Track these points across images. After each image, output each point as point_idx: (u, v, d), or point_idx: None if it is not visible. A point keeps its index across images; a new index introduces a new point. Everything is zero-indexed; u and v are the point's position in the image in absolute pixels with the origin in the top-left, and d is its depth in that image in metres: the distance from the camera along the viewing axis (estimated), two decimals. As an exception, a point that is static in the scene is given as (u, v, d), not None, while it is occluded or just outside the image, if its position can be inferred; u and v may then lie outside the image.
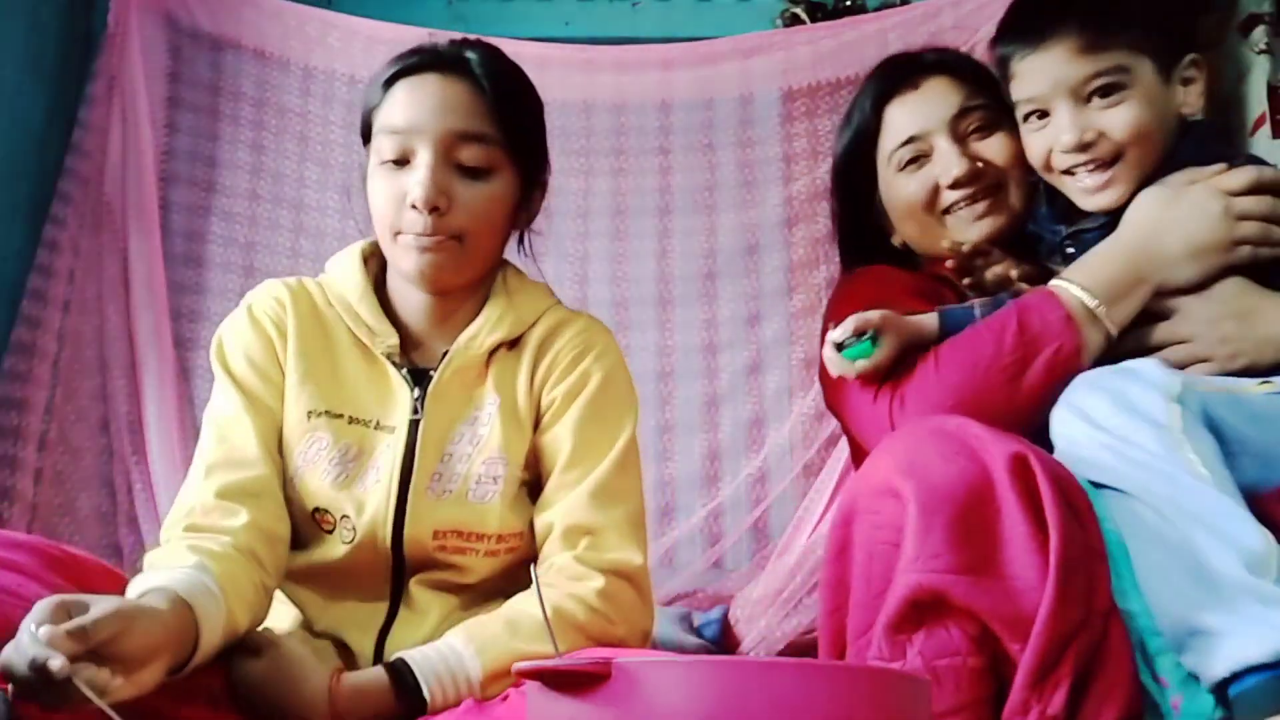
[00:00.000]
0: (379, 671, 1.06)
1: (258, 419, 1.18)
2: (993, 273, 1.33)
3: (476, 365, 1.23)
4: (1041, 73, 1.23)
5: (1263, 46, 2.07)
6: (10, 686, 0.81)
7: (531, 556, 1.19)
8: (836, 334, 1.23)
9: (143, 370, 2.07)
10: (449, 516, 1.18)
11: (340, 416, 1.20)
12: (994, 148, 1.38)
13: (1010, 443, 0.95)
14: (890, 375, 1.21)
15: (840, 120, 1.54)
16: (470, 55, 1.22)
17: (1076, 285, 1.18)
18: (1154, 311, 1.19)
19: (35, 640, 0.80)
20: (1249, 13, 2.09)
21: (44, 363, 1.99)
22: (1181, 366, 1.13)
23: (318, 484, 1.18)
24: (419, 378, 1.21)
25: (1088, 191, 1.24)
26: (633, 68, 2.30)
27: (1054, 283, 1.20)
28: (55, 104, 2.15)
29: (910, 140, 1.40)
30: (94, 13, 2.25)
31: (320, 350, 1.22)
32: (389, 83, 1.21)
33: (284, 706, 1.03)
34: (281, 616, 1.19)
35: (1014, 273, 1.31)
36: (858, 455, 1.42)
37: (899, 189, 1.42)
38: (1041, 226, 1.33)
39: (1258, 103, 2.05)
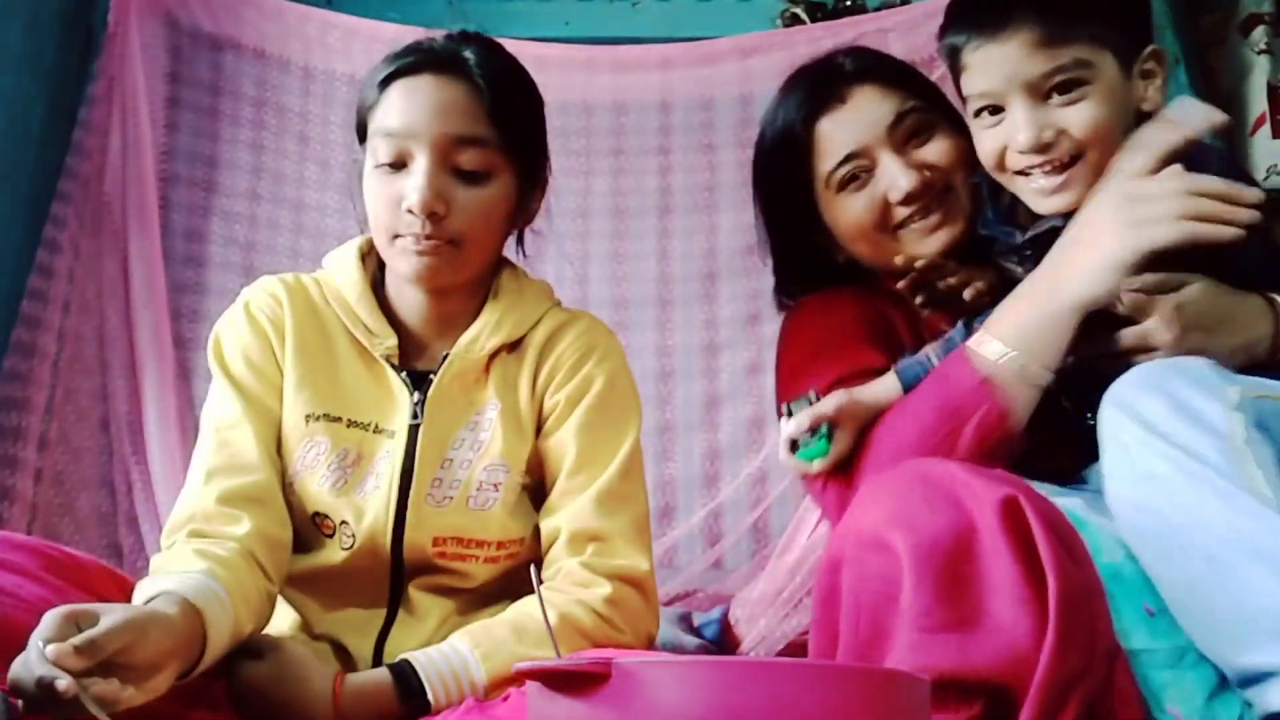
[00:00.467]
0: (382, 673, 1.05)
1: (257, 422, 1.18)
2: (946, 284, 1.26)
3: (477, 369, 1.22)
4: (996, 66, 1.15)
5: (1263, 46, 2.08)
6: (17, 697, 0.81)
7: (531, 561, 1.19)
8: (790, 429, 1.18)
9: (143, 370, 2.07)
10: (449, 524, 1.17)
11: (339, 420, 1.19)
12: (936, 152, 1.31)
13: (999, 486, 0.89)
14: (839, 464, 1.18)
15: (756, 142, 1.44)
16: (467, 54, 1.19)
17: (992, 338, 1.11)
18: (1122, 314, 1.11)
19: (42, 658, 0.80)
20: (1249, 13, 2.09)
21: (44, 363, 1.99)
22: None
23: (316, 489, 1.17)
24: (418, 381, 1.20)
25: (1042, 193, 1.17)
26: (633, 68, 2.30)
27: (971, 340, 1.13)
28: (55, 104, 2.15)
29: (848, 158, 1.31)
30: (94, 13, 2.25)
31: (318, 350, 1.22)
32: (385, 82, 1.19)
33: (287, 708, 1.02)
34: (280, 620, 1.18)
35: (975, 288, 1.24)
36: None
37: (844, 211, 1.34)
38: (993, 229, 1.26)
39: (1258, 103, 2.06)
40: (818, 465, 1.18)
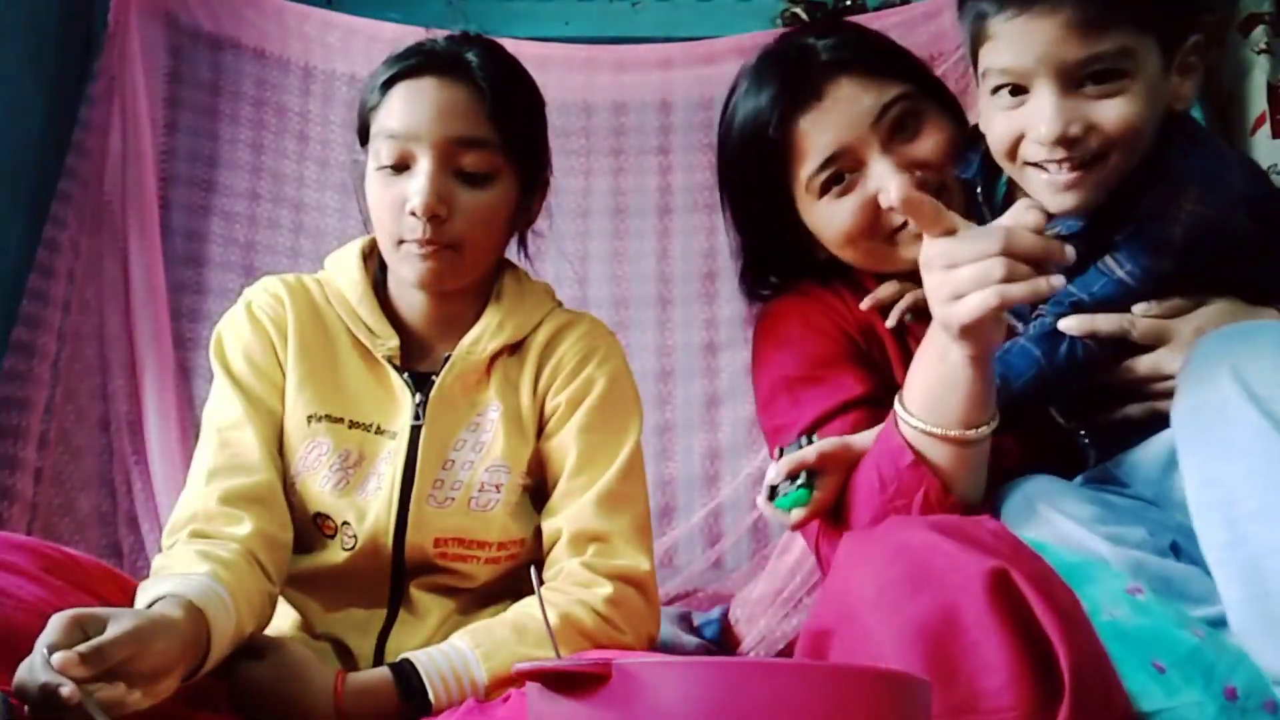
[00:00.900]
0: (383, 672, 1.05)
1: (259, 422, 1.18)
2: (916, 301, 1.19)
3: (478, 370, 1.22)
4: (1027, 42, 1.01)
5: (1263, 46, 2.08)
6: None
7: (532, 561, 1.19)
8: (771, 474, 1.10)
9: (143, 370, 2.07)
10: (450, 524, 1.17)
11: (340, 421, 1.19)
12: (928, 146, 1.21)
13: (984, 556, 0.83)
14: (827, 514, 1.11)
15: (721, 133, 1.32)
16: (469, 56, 1.19)
17: (905, 410, 1.04)
18: (1136, 342, 1.05)
19: (47, 664, 0.79)
20: (1249, 13, 2.09)
21: (44, 363, 1.99)
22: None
23: (318, 489, 1.18)
24: (420, 382, 1.21)
25: (1055, 188, 1.04)
26: (633, 67, 2.30)
27: (896, 406, 1.06)
28: (55, 104, 2.15)
29: (830, 160, 1.20)
30: (94, 13, 2.25)
31: (320, 351, 1.22)
32: (387, 84, 1.19)
33: (288, 707, 1.02)
34: (281, 620, 1.18)
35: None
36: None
37: (828, 217, 1.23)
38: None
39: (1258, 103, 2.06)
40: (796, 515, 1.10)
